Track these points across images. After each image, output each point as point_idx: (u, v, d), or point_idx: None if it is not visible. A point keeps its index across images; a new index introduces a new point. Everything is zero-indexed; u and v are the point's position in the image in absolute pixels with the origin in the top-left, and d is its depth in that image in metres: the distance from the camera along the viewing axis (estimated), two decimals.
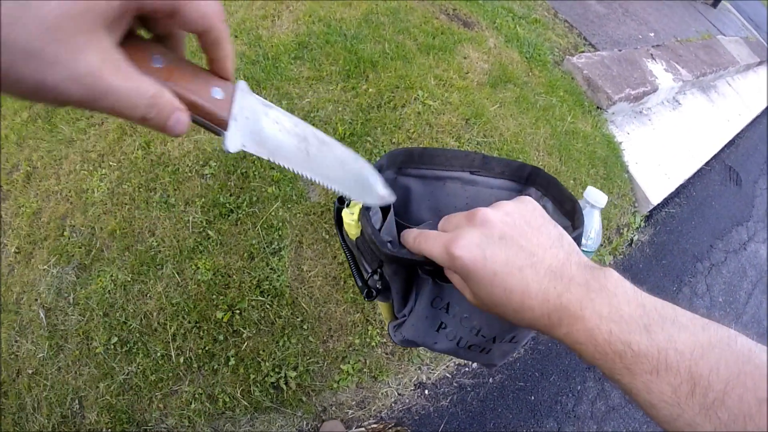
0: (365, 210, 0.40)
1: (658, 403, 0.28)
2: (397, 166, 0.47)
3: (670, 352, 0.27)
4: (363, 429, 1.42)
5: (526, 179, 0.50)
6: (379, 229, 0.41)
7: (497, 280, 0.31)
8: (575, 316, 0.29)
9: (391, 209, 0.42)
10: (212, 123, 0.28)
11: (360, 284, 0.45)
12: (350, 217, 0.42)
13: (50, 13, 0.19)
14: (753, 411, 0.26)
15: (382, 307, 0.51)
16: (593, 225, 0.62)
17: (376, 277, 0.42)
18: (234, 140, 0.29)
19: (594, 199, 0.62)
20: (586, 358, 0.30)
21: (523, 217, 0.33)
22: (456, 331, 0.45)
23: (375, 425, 1.43)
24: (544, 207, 0.48)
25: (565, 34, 2.87)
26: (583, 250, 0.53)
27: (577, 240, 0.40)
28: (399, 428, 1.45)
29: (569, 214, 0.46)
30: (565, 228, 0.45)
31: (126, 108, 0.23)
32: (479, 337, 0.45)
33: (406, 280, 0.42)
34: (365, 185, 0.36)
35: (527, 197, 0.36)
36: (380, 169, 0.45)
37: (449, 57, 2.20)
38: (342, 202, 0.44)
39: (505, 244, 0.31)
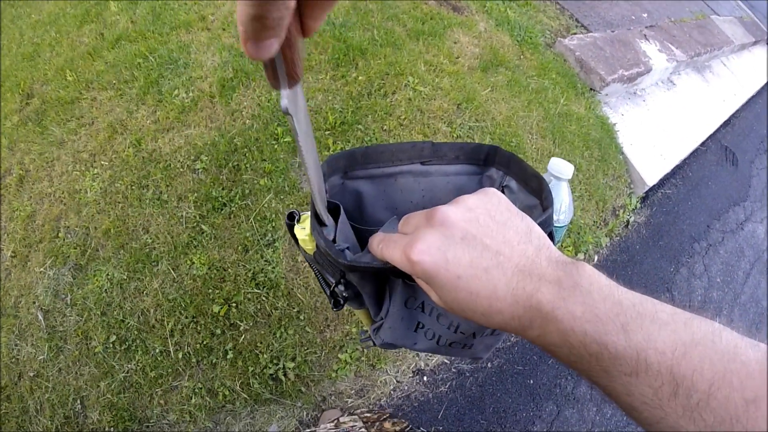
0: (315, 222, 0.38)
1: (639, 405, 0.26)
2: (342, 170, 0.45)
3: (649, 352, 0.26)
4: (356, 416, 1.42)
5: (484, 160, 0.47)
6: (334, 238, 0.39)
7: (461, 284, 0.29)
8: (547, 317, 0.27)
9: (341, 214, 0.40)
10: (289, 73, 0.26)
11: (327, 295, 0.43)
12: (303, 233, 0.40)
13: None
14: (740, 412, 0.25)
15: (359, 314, 0.50)
16: (562, 199, 0.58)
17: (341, 287, 0.41)
18: (290, 101, 0.27)
19: (558, 170, 0.57)
20: (562, 359, 0.28)
21: (487, 212, 0.31)
22: (434, 330, 0.44)
23: (368, 414, 1.44)
24: (508, 186, 0.46)
25: (557, 16, 2.84)
26: (555, 227, 0.51)
27: (548, 221, 0.38)
28: (395, 420, 1.45)
29: (536, 192, 0.43)
30: (533, 207, 0.43)
31: None
32: (458, 334, 0.43)
33: (376, 284, 0.41)
34: None
35: (490, 189, 0.34)
36: (327, 174, 0.43)
37: (439, 42, 2.18)
38: (292, 218, 0.42)
39: (468, 244, 0.29)
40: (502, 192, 0.45)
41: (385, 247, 0.33)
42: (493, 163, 0.47)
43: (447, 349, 0.46)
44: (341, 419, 1.35)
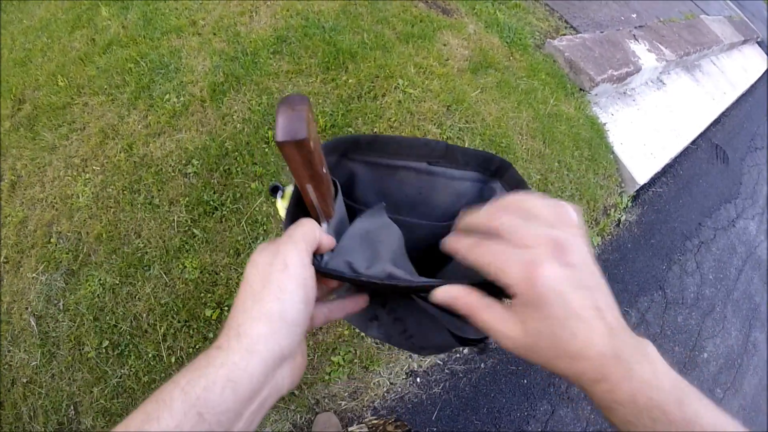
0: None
1: None
2: (341, 152, 0.45)
3: (696, 427, 0.28)
4: (364, 425, 1.42)
5: (493, 172, 0.46)
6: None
7: (568, 323, 0.29)
8: (625, 375, 0.29)
9: (339, 194, 0.40)
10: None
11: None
12: (285, 210, 0.41)
13: None
14: None
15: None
16: None
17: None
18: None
19: None
20: (616, 418, 0.29)
21: (593, 273, 0.31)
22: (387, 329, 0.45)
23: (375, 420, 1.44)
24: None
25: (546, 17, 2.86)
26: None
27: None
28: (398, 423, 1.46)
29: None
30: None
31: None
32: (409, 342, 0.44)
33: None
34: None
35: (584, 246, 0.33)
36: (325, 152, 0.43)
37: (429, 45, 2.20)
38: (275, 191, 0.43)
39: (583, 290, 0.30)
40: None
41: (488, 254, 0.32)
42: (501, 178, 0.46)
43: (398, 340, 0.46)
44: (350, 429, 1.36)
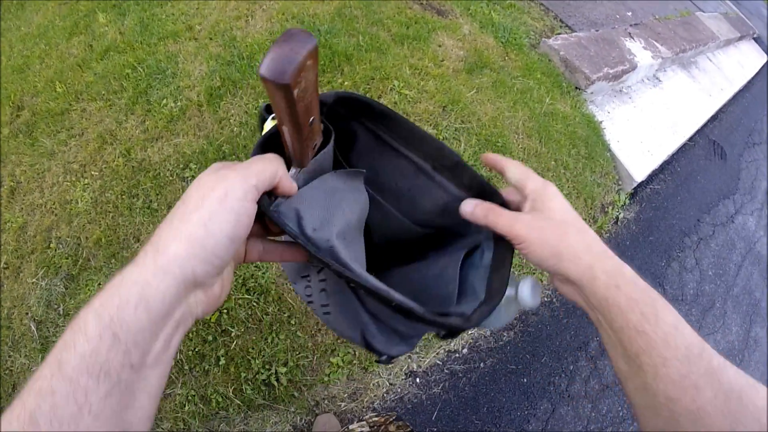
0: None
1: (671, 358, 0.31)
2: (351, 109, 0.42)
3: (682, 321, 0.33)
4: (365, 423, 1.43)
5: (487, 200, 0.45)
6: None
7: (565, 228, 0.38)
8: (603, 285, 0.35)
9: (331, 141, 0.39)
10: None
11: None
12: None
13: None
14: (746, 388, 0.30)
15: None
16: (501, 317, 0.51)
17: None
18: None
19: (525, 298, 0.48)
20: (620, 300, 0.34)
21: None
22: (312, 292, 0.43)
23: (377, 418, 1.44)
24: (481, 248, 0.45)
25: (541, 17, 2.87)
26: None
27: (480, 317, 0.39)
28: (399, 423, 1.46)
29: (496, 282, 0.42)
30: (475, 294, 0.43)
31: None
32: (324, 317, 0.44)
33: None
34: None
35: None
36: (335, 101, 0.40)
37: (424, 46, 2.21)
38: (270, 111, 0.41)
39: (576, 215, 0.41)
40: (475, 249, 0.45)
41: (515, 170, 0.43)
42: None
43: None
44: (351, 427, 1.36)
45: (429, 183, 0.46)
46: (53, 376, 0.24)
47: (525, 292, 0.44)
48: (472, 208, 0.42)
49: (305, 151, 0.35)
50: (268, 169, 0.32)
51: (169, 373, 0.29)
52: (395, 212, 0.48)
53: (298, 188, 0.36)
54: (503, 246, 0.42)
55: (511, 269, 0.43)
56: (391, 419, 1.46)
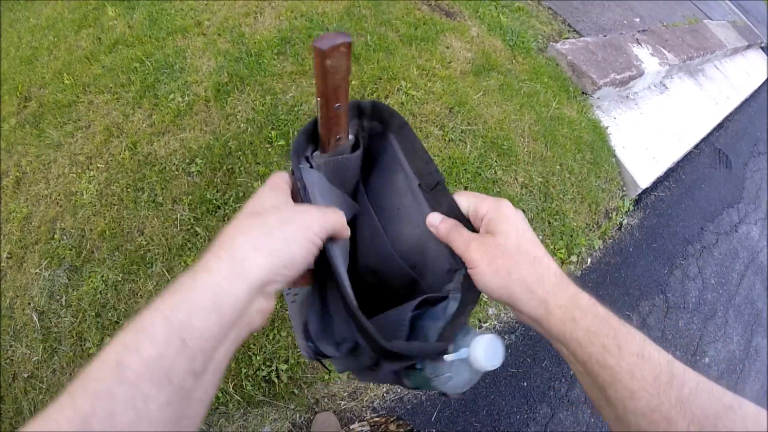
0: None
1: (638, 390, 0.29)
2: (381, 122, 0.45)
3: (647, 346, 0.31)
4: (366, 423, 1.43)
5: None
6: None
7: (520, 256, 0.37)
8: (558, 319, 0.34)
9: (359, 152, 0.44)
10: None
11: None
12: None
13: None
14: (721, 413, 0.28)
15: None
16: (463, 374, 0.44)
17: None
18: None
19: (478, 360, 0.41)
20: (579, 334, 0.33)
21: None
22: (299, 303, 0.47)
23: (377, 418, 1.44)
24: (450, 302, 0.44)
25: (549, 21, 2.87)
26: (430, 376, 0.45)
27: (434, 373, 0.39)
28: (400, 422, 1.46)
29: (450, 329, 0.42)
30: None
31: None
32: (291, 304, 0.48)
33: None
34: None
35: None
36: (371, 113, 0.44)
37: (432, 47, 2.21)
38: (298, 153, 0.44)
39: (532, 236, 0.40)
40: (441, 300, 0.44)
41: (469, 197, 0.42)
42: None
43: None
44: (351, 426, 1.36)
45: (413, 203, 0.46)
46: (112, 378, 0.23)
47: (478, 354, 0.38)
48: (437, 222, 0.42)
49: (328, 133, 0.39)
50: (340, 222, 0.36)
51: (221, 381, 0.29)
52: (383, 233, 0.48)
53: (319, 179, 0.41)
54: (470, 296, 0.40)
55: (470, 326, 0.41)
56: (391, 419, 1.46)
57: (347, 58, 0.34)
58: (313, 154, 0.42)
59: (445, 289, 0.43)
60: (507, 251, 0.36)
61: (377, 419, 1.42)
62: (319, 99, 0.36)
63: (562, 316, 0.33)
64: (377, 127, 0.46)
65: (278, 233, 0.31)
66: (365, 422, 1.42)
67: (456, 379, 0.44)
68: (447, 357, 0.40)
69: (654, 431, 0.29)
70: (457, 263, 0.42)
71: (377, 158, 0.48)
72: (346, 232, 0.37)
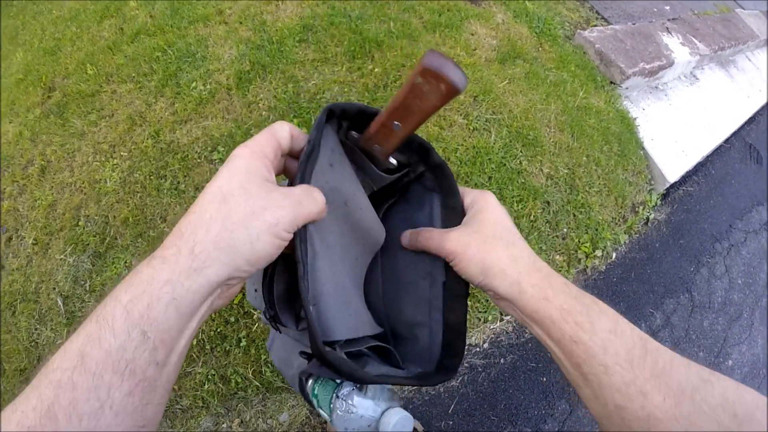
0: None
1: (612, 365, 0.30)
2: (419, 153, 0.44)
3: (621, 323, 0.32)
4: None
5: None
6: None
7: (495, 240, 0.39)
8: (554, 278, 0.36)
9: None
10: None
11: None
12: None
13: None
14: (699, 385, 0.28)
15: None
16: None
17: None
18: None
19: (386, 426, 0.47)
20: (552, 312, 0.33)
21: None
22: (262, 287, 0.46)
23: None
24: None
25: (577, 8, 2.78)
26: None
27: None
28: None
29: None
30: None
31: None
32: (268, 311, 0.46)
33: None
34: None
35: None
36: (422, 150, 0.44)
37: (456, 34, 2.16)
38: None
39: (512, 227, 0.42)
40: None
41: (427, 240, 0.41)
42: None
43: None
44: None
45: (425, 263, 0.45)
46: (75, 369, 0.24)
47: (386, 426, 0.41)
48: (407, 240, 0.43)
49: (375, 134, 0.38)
50: (315, 211, 0.33)
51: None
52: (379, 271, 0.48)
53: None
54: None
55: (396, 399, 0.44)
56: None
57: (440, 97, 0.32)
58: (351, 131, 0.40)
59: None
60: (482, 238, 0.37)
61: None
62: (392, 101, 0.34)
63: (534, 294, 0.34)
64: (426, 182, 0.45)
65: (242, 231, 0.29)
66: None
67: (349, 422, 0.46)
68: (366, 393, 0.44)
69: (630, 406, 0.29)
70: (437, 270, 0.42)
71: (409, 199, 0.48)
72: (323, 215, 0.35)
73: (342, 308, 0.39)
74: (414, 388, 1.53)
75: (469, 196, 0.41)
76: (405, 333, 0.45)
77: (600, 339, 0.31)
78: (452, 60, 0.30)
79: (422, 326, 0.44)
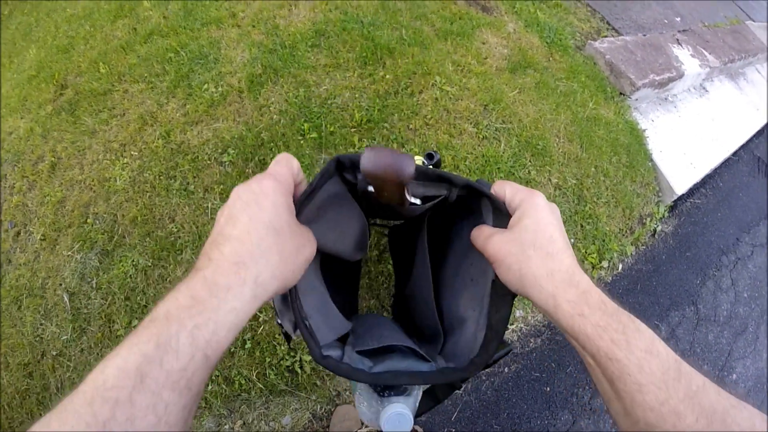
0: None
1: (647, 384, 0.30)
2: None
3: (656, 343, 0.32)
4: None
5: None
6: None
7: (542, 243, 0.39)
8: (572, 314, 0.35)
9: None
10: None
11: None
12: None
13: None
14: (728, 408, 0.29)
15: None
16: None
17: None
18: None
19: (383, 422, 0.49)
20: (587, 328, 0.33)
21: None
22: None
23: None
24: None
25: (588, 18, 2.79)
26: None
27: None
28: (414, 427, 1.45)
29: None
30: None
31: None
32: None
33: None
34: None
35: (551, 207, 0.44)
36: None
37: (467, 42, 2.16)
38: (431, 158, 0.49)
39: (560, 228, 0.42)
40: None
41: (478, 233, 0.44)
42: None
43: None
44: (358, 431, 1.36)
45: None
46: (134, 387, 0.25)
47: (384, 421, 0.44)
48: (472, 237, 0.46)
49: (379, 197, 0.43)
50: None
51: None
52: (429, 276, 0.55)
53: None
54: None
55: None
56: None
57: (395, 185, 0.37)
58: (368, 187, 0.44)
59: (441, 363, 0.46)
60: (521, 247, 0.37)
61: None
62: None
63: (569, 310, 0.34)
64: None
65: (292, 261, 0.35)
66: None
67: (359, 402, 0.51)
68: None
69: (662, 425, 0.29)
70: (489, 267, 0.44)
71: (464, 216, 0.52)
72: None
73: (325, 319, 0.45)
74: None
75: (519, 195, 0.41)
76: (456, 327, 0.48)
77: (636, 358, 0.31)
78: (386, 150, 0.34)
79: (471, 321, 0.46)
